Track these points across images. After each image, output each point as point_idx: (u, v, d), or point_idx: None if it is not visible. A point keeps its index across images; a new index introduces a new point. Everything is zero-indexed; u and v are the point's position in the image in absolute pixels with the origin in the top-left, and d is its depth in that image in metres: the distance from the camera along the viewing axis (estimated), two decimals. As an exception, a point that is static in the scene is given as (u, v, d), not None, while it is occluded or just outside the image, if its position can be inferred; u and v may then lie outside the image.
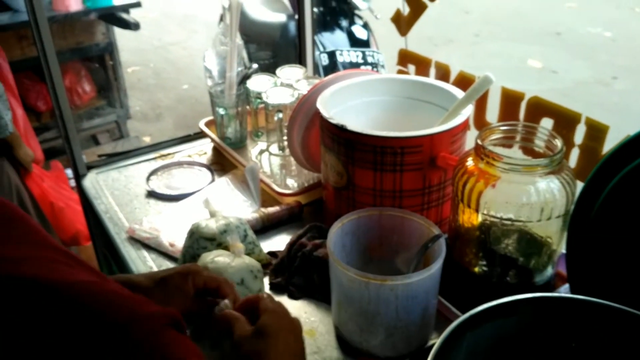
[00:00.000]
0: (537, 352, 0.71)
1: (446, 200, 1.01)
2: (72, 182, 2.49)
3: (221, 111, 1.37)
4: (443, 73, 1.30)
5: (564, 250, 0.86)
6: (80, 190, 1.40)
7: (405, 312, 0.80)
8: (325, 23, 3.29)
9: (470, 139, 0.93)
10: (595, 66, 4.55)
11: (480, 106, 1.20)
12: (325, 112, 0.99)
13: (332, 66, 3.03)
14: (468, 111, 0.98)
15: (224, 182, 1.31)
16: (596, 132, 0.99)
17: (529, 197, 0.79)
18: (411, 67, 1.41)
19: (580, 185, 0.82)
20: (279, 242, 1.12)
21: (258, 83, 1.37)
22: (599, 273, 0.80)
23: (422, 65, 1.37)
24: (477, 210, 0.83)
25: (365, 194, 0.98)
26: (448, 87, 1.08)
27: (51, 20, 2.55)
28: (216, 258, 0.92)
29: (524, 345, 0.70)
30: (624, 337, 0.66)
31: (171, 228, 1.14)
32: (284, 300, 0.97)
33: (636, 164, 0.73)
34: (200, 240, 1.00)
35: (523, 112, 1.11)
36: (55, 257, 0.50)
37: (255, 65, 1.40)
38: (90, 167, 1.42)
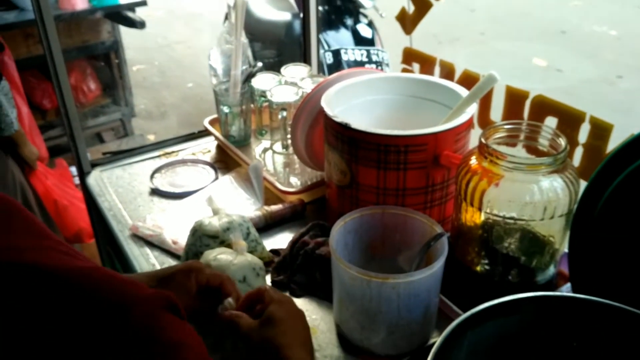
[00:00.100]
0: (539, 351, 0.71)
1: (449, 198, 1.01)
2: (77, 180, 2.50)
3: (225, 109, 1.37)
4: (448, 71, 1.30)
5: (566, 250, 0.86)
6: (84, 187, 1.40)
7: (406, 310, 0.80)
8: (330, 22, 3.29)
9: (474, 137, 0.93)
10: (601, 65, 4.53)
11: (485, 105, 1.20)
12: (330, 111, 0.99)
13: (337, 65, 3.03)
14: (472, 110, 0.98)
15: (228, 180, 1.32)
16: (600, 130, 0.99)
17: (532, 196, 0.78)
18: (416, 66, 1.41)
19: (583, 184, 0.82)
20: (281, 240, 1.12)
21: (262, 81, 1.38)
22: (601, 272, 0.80)
23: (426, 63, 1.37)
24: (480, 209, 0.83)
25: (368, 192, 0.98)
26: (452, 85, 1.08)
27: (57, 18, 2.56)
28: (219, 256, 0.92)
29: (526, 344, 0.70)
30: (625, 337, 0.66)
31: (174, 226, 1.15)
32: (287, 298, 0.98)
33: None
34: (203, 238, 1.00)
35: (527, 110, 1.11)
36: (54, 247, 0.51)
37: (259, 64, 1.40)
38: (94, 165, 1.43)
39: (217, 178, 1.34)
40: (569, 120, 1.04)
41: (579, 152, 1.03)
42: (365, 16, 3.39)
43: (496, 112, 1.18)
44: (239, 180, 1.31)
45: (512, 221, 0.82)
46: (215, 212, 1.04)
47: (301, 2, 1.65)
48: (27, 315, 0.46)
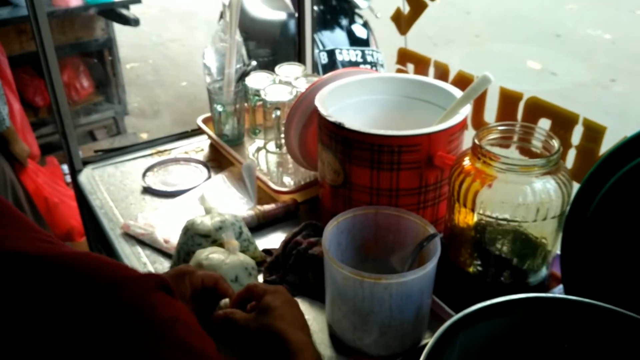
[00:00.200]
0: (531, 352, 0.71)
1: (442, 199, 1.01)
2: (68, 178, 2.49)
3: (219, 108, 1.37)
4: (442, 72, 1.30)
5: (558, 251, 0.86)
6: (76, 185, 1.39)
7: (399, 310, 0.80)
8: (325, 21, 3.29)
9: (468, 138, 0.93)
10: (595, 68, 4.56)
11: (479, 106, 1.20)
12: (323, 110, 0.99)
13: (332, 65, 3.03)
14: (466, 111, 0.98)
15: (220, 179, 1.31)
16: (593, 133, 0.99)
17: (525, 198, 0.79)
18: (410, 66, 1.41)
19: (576, 186, 0.82)
20: (274, 240, 1.12)
21: (257, 80, 1.37)
22: (593, 274, 0.80)
23: (421, 64, 1.37)
24: (472, 210, 0.83)
25: (361, 192, 0.98)
26: (447, 86, 1.08)
27: (51, 15, 2.55)
28: (211, 255, 0.91)
29: (517, 346, 0.70)
30: (617, 339, 0.66)
31: (166, 224, 1.14)
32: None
33: (632, 165, 0.73)
34: (195, 237, 0.99)
35: (521, 112, 1.11)
36: (41, 238, 0.51)
37: (254, 63, 1.40)
38: (86, 163, 1.42)
39: (209, 177, 1.34)
40: (563, 122, 1.04)
41: (572, 154, 1.03)
42: (361, 16, 3.39)
43: (490, 113, 1.18)
44: (231, 180, 1.31)
45: (504, 222, 0.82)
46: (208, 211, 1.04)
47: (296, 2, 1.65)
48: (18, 301, 0.46)
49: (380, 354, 0.84)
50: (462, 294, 0.90)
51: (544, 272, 0.88)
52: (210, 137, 1.43)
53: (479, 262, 0.89)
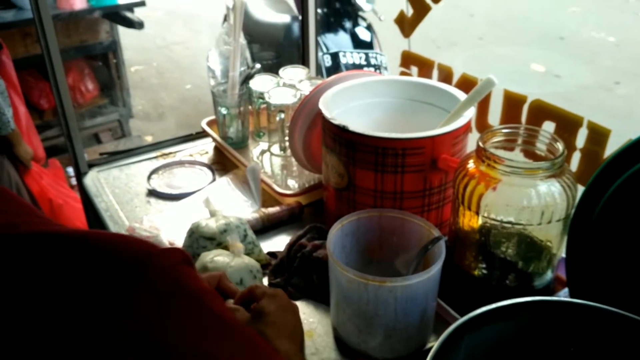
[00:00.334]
0: (536, 355, 0.70)
1: (447, 202, 1.01)
2: (73, 181, 2.50)
3: (223, 111, 1.37)
4: (446, 75, 1.30)
5: (563, 254, 0.86)
6: (81, 188, 1.40)
7: (404, 313, 0.79)
8: (329, 24, 3.29)
9: (472, 141, 0.93)
10: (598, 71, 4.55)
11: (483, 109, 1.20)
12: (327, 113, 0.99)
13: (335, 67, 3.03)
14: (470, 113, 0.98)
15: (225, 182, 1.31)
16: (598, 135, 0.99)
17: (530, 200, 0.78)
18: (414, 69, 1.41)
19: (581, 189, 0.82)
20: (278, 243, 1.12)
21: (261, 83, 1.37)
22: (598, 277, 0.80)
23: (424, 67, 1.37)
24: (477, 213, 0.83)
25: (365, 195, 0.98)
26: (450, 89, 1.08)
27: (55, 18, 2.56)
28: (215, 257, 0.92)
29: (523, 349, 0.70)
30: (622, 342, 0.66)
31: (171, 227, 1.14)
32: (283, 300, 0.97)
33: (637, 168, 0.73)
34: (200, 240, 0.99)
35: (525, 115, 1.11)
36: (54, 223, 0.52)
37: (258, 66, 1.40)
38: (91, 165, 1.42)
39: (214, 180, 1.34)
40: (567, 125, 1.04)
41: (576, 157, 1.03)
42: (364, 19, 3.39)
43: (494, 116, 1.18)
44: (236, 182, 1.31)
45: (509, 225, 0.82)
46: (213, 214, 1.04)
47: (300, 5, 1.65)
48: (47, 278, 0.46)
49: (385, 357, 0.84)
50: (467, 297, 0.90)
51: (549, 275, 0.88)
52: (214, 139, 1.44)
53: (483, 265, 0.89)
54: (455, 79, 1.27)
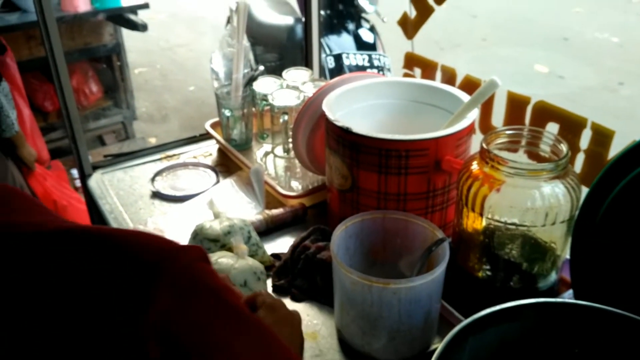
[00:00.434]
0: (540, 357, 0.70)
1: (450, 204, 1.01)
2: (77, 182, 2.51)
3: (227, 113, 1.37)
4: (449, 76, 1.30)
5: (568, 256, 0.86)
6: (86, 190, 1.40)
7: (407, 315, 0.79)
8: (332, 26, 3.29)
9: (476, 142, 0.93)
10: (602, 72, 4.54)
11: (486, 110, 1.19)
12: (331, 115, 0.99)
13: (339, 69, 3.03)
14: (474, 115, 0.98)
15: (229, 184, 1.32)
16: (602, 137, 0.99)
17: (534, 202, 0.78)
18: (417, 71, 1.41)
19: (585, 190, 0.82)
20: (282, 244, 1.12)
21: (264, 85, 1.38)
22: (603, 279, 0.80)
23: (428, 68, 1.37)
24: (481, 215, 0.83)
25: (369, 197, 0.98)
26: (454, 90, 1.08)
27: (60, 20, 2.57)
28: (219, 259, 0.92)
29: (527, 351, 0.70)
30: (627, 344, 0.66)
31: (175, 229, 1.15)
32: (287, 302, 0.97)
33: (642, 169, 0.73)
34: (204, 242, 1.00)
35: (529, 116, 1.11)
36: (68, 221, 0.53)
37: (261, 68, 1.40)
38: (95, 167, 1.43)
39: (218, 181, 1.34)
40: (571, 126, 1.03)
41: (580, 158, 1.03)
42: (367, 21, 3.39)
43: (498, 117, 1.18)
44: (240, 184, 1.31)
45: (513, 227, 0.82)
46: (216, 216, 1.04)
47: (303, 7, 1.66)
48: (79, 274, 0.47)
49: (389, 358, 0.84)
50: (471, 298, 0.90)
51: (553, 276, 0.88)
52: (218, 141, 1.44)
53: (488, 267, 0.89)
54: (458, 80, 1.27)
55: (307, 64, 1.68)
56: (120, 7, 3.07)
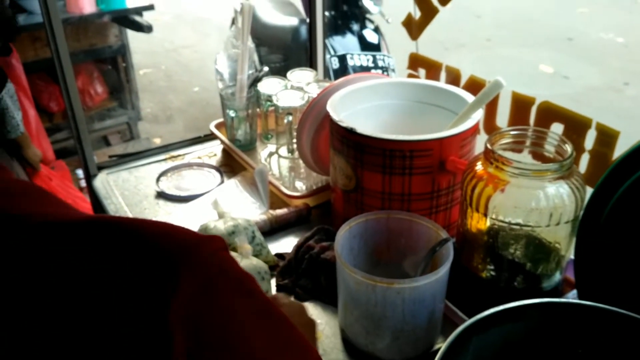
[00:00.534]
0: (544, 357, 0.70)
1: (455, 204, 1.01)
2: (82, 183, 2.52)
3: (231, 113, 1.38)
4: (454, 77, 1.30)
5: (572, 256, 0.86)
6: (91, 190, 1.41)
7: (411, 315, 0.80)
8: (337, 27, 3.30)
9: (480, 143, 0.93)
10: (607, 72, 4.52)
11: (491, 110, 1.19)
12: (335, 115, 0.99)
13: (343, 70, 3.04)
14: (478, 115, 0.98)
15: (233, 184, 1.32)
16: (607, 137, 0.98)
17: (538, 202, 0.78)
18: (422, 71, 1.41)
19: (589, 190, 0.82)
20: (286, 244, 1.12)
21: (268, 86, 1.38)
22: (607, 279, 0.80)
23: (432, 69, 1.37)
24: (485, 215, 0.83)
25: (373, 197, 0.98)
26: (458, 91, 1.08)
27: (65, 22, 2.57)
28: (224, 259, 0.92)
29: (531, 351, 0.70)
30: (631, 344, 0.66)
31: (180, 229, 1.15)
32: (291, 302, 0.98)
33: (646, 170, 0.73)
34: (208, 241, 1.00)
35: (533, 116, 1.11)
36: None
37: (266, 68, 1.41)
38: (101, 168, 1.43)
39: (222, 182, 1.35)
40: (575, 126, 1.03)
41: (585, 159, 1.03)
42: (372, 21, 3.39)
43: (502, 118, 1.18)
44: (244, 184, 1.31)
45: (517, 227, 0.82)
46: (221, 216, 1.05)
47: (308, 7, 1.66)
48: (92, 264, 0.47)
49: (393, 358, 0.84)
50: (475, 298, 0.90)
51: (557, 277, 0.88)
52: (223, 142, 1.44)
53: (492, 267, 0.89)
54: (463, 81, 1.27)
55: (312, 64, 1.68)
56: (126, 8, 3.09)
